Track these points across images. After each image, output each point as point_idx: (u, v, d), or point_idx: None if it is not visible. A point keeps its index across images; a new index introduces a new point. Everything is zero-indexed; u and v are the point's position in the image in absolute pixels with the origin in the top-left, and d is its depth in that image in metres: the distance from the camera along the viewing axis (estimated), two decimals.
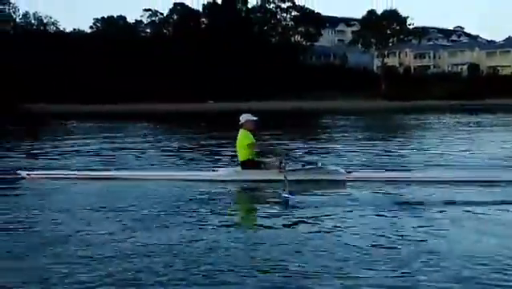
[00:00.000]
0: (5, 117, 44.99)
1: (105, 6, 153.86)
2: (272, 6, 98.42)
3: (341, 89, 75.40)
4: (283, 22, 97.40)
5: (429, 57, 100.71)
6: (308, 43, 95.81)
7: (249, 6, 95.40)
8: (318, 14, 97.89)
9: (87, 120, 40.05)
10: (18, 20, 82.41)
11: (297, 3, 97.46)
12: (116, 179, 9.88)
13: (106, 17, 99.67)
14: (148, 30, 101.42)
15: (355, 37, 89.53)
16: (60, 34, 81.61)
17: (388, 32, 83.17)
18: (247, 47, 75.65)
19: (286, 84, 74.28)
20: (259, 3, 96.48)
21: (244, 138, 9.52)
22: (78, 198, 8.24)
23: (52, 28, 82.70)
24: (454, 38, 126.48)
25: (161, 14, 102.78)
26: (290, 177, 8.25)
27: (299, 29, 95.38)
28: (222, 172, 9.74)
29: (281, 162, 9.26)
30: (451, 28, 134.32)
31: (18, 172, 10.37)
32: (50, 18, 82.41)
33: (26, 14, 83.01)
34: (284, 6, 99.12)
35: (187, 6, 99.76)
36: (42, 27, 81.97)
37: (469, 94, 75.02)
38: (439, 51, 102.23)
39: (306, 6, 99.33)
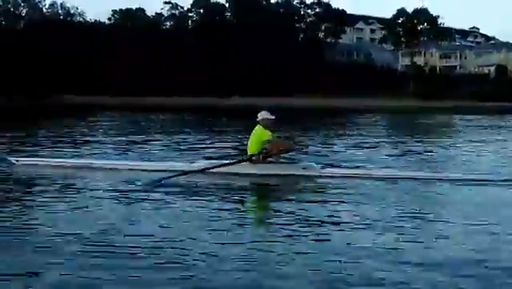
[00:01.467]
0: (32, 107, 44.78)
1: None
2: (296, 2, 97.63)
3: (367, 87, 74.08)
4: (307, 19, 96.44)
5: (455, 57, 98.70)
6: (332, 40, 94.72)
7: (273, 1, 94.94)
8: (343, 11, 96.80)
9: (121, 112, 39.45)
10: (44, 10, 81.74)
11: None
12: (99, 169, 10.01)
13: (124, 9, 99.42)
14: (167, 23, 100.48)
15: (385, 35, 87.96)
16: (87, 24, 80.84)
17: (419, 31, 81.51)
18: (274, 43, 74.45)
19: (312, 81, 73.07)
20: None
21: (262, 134, 9.62)
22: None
23: (78, 19, 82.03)
24: (471, 38, 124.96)
25: (181, 7, 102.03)
26: (261, 171, 9.32)
27: (323, 25, 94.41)
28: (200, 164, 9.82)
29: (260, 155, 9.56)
30: (467, 29, 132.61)
31: (9, 158, 10.59)
32: (77, 8, 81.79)
33: (53, 4, 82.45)
34: (308, 1, 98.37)
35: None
36: (69, 18, 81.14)
37: (497, 95, 73.52)
38: (465, 52, 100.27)
39: (329, 2, 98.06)
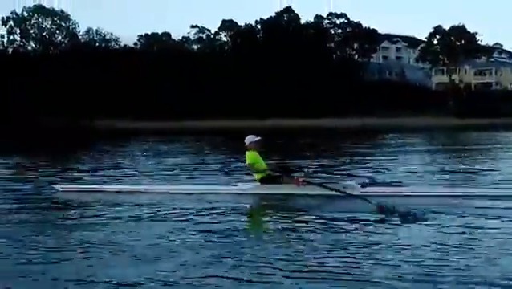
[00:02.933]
0: (69, 133, 45.03)
1: (146, 23, 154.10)
2: (326, 22, 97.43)
3: (404, 106, 73.08)
4: (337, 38, 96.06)
5: (490, 74, 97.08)
6: (364, 59, 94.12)
7: (302, 22, 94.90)
8: (374, 29, 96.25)
9: (156, 137, 39.19)
10: (80, 36, 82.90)
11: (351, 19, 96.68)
12: (144, 193, 10.13)
13: (150, 33, 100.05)
14: (194, 47, 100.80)
15: (423, 53, 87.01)
16: (123, 50, 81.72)
17: (457, 48, 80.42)
18: (307, 64, 74.16)
19: (347, 101, 72.38)
20: (312, 20, 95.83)
21: (250, 159, 9.95)
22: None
23: (113, 45, 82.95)
24: (495, 55, 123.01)
25: (208, 30, 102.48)
26: (310, 192, 9.01)
27: (354, 45, 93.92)
28: (243, 187, 10.12)
29: (300, 177, 9.68)
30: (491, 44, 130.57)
31: (53, 186, 10.90)
32: (111, 34, 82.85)
33: (88, 31, 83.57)
34: (338, 21, 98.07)
35: (236, 22, 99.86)
36: (103, 44, 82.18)
37: None
38: (500, 68, 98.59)
39: (360, 22, 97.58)
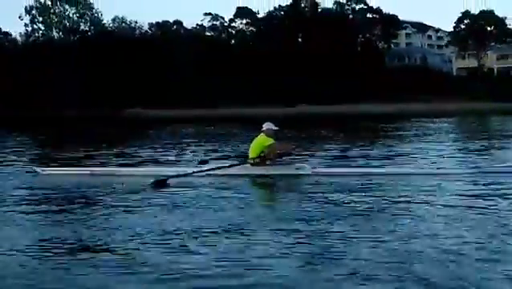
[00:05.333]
0: (107, 122, 45.17)
1: (156, 12, 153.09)
2: (346, 7, 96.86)
3: (431, 91, 72.89)
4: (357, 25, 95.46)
5: None
6: (385, 45, 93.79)
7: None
8: (395, 15, 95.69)
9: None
10: (106, 25, 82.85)
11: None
12: (119, 176, 11.10)
13: (161, 21, 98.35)
14: (208, 34, 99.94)
15: (453, 38, 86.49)
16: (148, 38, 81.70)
17: (487, 33, 79.90)
18: (332, 50, 74.00)
19: (373, 87, 72.23)
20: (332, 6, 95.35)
21: (264, 140, 10.98)
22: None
23: (137, 32, 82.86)
24: None
25: (222, 17, 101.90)
26: (259, 172, 10.72)
27: (375, 31, 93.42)
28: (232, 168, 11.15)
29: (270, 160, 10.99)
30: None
31: (34, 168, 12.05)
32: (136, 22, 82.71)
33: (114, 19, 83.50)
34: (357, 7, 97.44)
35: (251, 9, 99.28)
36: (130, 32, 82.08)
37: None
38: None
39: (380, 8, 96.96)
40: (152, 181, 9.77)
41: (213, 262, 5.21)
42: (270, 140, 10.94)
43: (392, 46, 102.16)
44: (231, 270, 5.00)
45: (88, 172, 11.71)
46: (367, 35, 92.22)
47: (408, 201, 7.95)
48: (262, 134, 11.10)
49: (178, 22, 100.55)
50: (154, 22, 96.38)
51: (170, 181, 9.92)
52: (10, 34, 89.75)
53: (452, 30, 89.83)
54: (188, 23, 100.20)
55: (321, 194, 8.67)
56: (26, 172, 12.35)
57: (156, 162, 14.82)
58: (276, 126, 11.10)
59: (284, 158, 11.40)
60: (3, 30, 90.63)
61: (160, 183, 9.78)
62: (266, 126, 11.13)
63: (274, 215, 7.46)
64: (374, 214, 7.21)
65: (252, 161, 11.00)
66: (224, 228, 6.50)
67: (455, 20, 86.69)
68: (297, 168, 11.00)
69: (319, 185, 9.59)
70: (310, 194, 8.76)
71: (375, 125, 35.11)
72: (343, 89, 70.20)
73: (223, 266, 5.11)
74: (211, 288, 4.69)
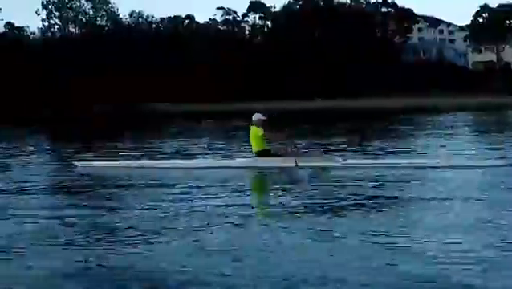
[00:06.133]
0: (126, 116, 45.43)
1: (166, 7, 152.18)
2: (361, 1, 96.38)
3: (447, 85, 72.55)
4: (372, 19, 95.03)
5: None
6: (401, 40, 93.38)
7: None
8: (410, 9, 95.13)
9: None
10: (124, 19, 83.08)
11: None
12: (151, 168, 11.75)
13: (172, 16, 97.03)
14: (220, 28, 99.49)
15: (471, 32, 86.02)
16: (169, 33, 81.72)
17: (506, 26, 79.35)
18: (350, 45, 73.84)
19: (391, 81, 72.06)
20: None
21: (256, 131, 11.34)
22: None
23: (154, 27, 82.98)
24: None
25: (234, 12, 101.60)
26: (299, 163, 10.84)
27: (391, 25, 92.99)
28: (240, 160, 11.93)
29: (291, 148, 11.43)
30: None
31: (73, 162, 12.45)
32: (153, 16, 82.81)
33: (131, 14, 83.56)
34: (372, 0, 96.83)
35: (264, 4, 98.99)
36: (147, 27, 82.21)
37: None
38: None
39: (395, 1, 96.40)
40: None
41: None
42: (261, 130, 11.34)
43: None
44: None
45: (125, 165, 12.14)
46: (383, 29, 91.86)
47: (437, 195, 7.95)
48: (252, 126, 11.50)
49: (190, 17, 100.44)
50: (166, 16, 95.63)
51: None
52: (24, 30, 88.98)
53: (464, 23, 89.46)
54: (200, 18, 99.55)
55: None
56: (66, 165, 12.72)
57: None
58: (264, 116, 11.54)
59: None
60: (18, 25, 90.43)
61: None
62: (256, 117, 11.57)
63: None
64: (400, 207, 7.32)
65: (256, 154, 11.42)
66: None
67: (473, 13, 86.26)
68: (328, 160, 11.30)
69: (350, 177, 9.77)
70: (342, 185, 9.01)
71: (398, 119, 35.10)
72: (361, 83, 70.06)
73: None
74: None
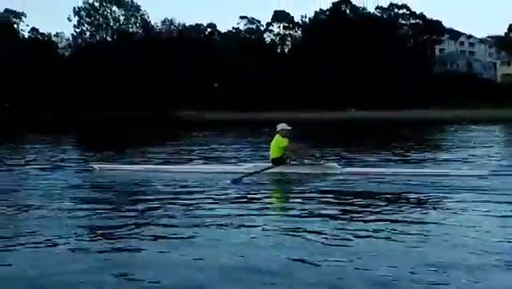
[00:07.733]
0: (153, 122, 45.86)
1: (187, 15, 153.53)
2: (389, 12, 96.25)
3: (476, 98, 72.09)
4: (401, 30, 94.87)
5: None
6: (428, 51, 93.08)
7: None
8: (439, 21, 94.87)
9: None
10: (155, 26, 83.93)
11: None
12: (166, 172, 11.94)
13: (194, 24, 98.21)
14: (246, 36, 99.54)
15: (502, 44, 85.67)
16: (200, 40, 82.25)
17: None
18: (381, 55, 73.77)
19: (424, 93, 71.90)
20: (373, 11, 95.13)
21: (281, 142, 11.47)
22: None
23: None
24: None
25: (258, 21, 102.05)
26: (291, 170, 11.35)
27: (421, 36, 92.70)
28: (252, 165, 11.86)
29: (290, 158, 11.59)
30: None
31: (91, 165, 12.72)
32: (184, 24, 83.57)
33: (164, 21, 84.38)
34: (400, 12, 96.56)
35: (288, 13, 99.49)
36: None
37: None
38: None
39: (423, 13, 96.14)
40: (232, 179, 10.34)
41: None
42: (285, 141, 11.42)
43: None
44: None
45: (143, 169, 12.32)
46: (412, 41, 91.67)
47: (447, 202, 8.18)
48: (277, 135, 11.60)
49: (212, 25, 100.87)
50: (187, 25, 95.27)
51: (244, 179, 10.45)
52: (50, 37, 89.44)
53: (482, 36, 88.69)
54: (222, 27, 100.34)
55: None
56: (84, 169, 12.91)
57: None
58: (289, 126, 11.59)
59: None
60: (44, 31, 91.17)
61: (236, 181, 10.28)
62: (281, 127, 11.62)
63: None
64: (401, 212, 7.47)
65: (272, 162, 11.50)
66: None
67: (507, 26, 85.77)
68: (327, 168, 11.45)
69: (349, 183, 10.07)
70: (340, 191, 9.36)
71: (431, 129, 34.96)
72: (391, 95, 69.91)
73: None
74: None
